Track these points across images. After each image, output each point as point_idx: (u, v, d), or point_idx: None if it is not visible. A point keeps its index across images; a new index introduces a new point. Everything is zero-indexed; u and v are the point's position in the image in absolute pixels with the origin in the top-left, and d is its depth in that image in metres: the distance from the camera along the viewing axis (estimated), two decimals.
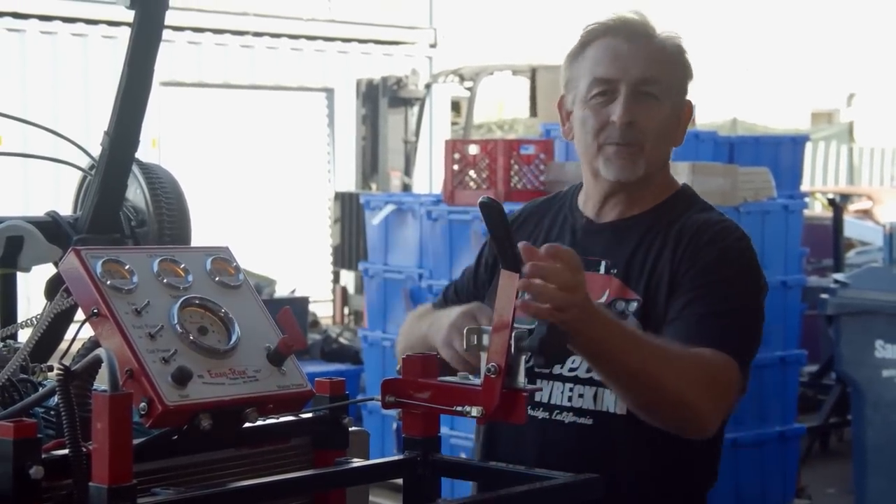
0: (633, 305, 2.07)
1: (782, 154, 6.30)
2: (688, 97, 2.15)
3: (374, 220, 6.22)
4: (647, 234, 2.11)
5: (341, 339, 7.93)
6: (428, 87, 10.79)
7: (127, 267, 1.63)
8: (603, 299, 2.06)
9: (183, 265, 1.69)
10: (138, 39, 2.24)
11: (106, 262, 1.61)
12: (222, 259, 1.74)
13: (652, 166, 2.11)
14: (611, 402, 2.05)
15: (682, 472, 2.11)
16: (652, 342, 1.90)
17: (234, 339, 1.64)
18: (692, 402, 1.90)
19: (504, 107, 17.70)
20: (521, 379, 1.63)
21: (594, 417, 2.07)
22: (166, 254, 1.69)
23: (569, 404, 2.08)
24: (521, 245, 1.69)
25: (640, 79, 2.07)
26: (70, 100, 11.10)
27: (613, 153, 2.08)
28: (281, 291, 9.22)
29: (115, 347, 1.53)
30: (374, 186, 10.26)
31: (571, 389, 2.08)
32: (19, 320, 2.25)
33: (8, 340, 2.12)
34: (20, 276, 2.60)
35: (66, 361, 1.65)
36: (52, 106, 10.84)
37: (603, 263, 2.11)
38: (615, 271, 2.10)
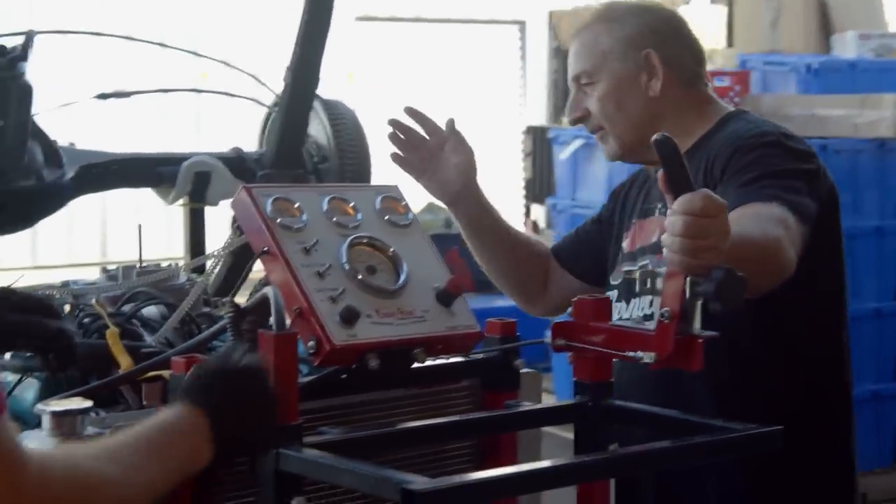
0: None
1: None
2: (644, 50, 2.20)
3: (563, 154, 6.15)
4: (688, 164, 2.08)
5: None
6: None
7: (297, 205, 1.62)
8: (654, 238, 2.09)
9: (352, 203, 1.68)
10: None
11: (276, 201, 1.61)
12: (392, 198, 1.73)
13: (628, 133, 2.21)
14: None
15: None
16: (752, 235, 1.81)
17: (402, 278, 1.63)
18: (789, 264, 1.86)
19: (701, 37, 17.15)
20: (697, 325, 1.56)
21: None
22: (336, 192, 1.68)
23: None
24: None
25: (575, 76, 2.28)
26: (244, 37, 11.29)
27: (595, 141, 2.31)
28: None
29: (283, 286, 1.54)
30: (564, 121, 10.16)
31: None
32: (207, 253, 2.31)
33: (195, 274, 2.17)
34: (208, 210, 2.66)
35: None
36: (225, 44, 11.03)
37: (658, 206, 2.16)
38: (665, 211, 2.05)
